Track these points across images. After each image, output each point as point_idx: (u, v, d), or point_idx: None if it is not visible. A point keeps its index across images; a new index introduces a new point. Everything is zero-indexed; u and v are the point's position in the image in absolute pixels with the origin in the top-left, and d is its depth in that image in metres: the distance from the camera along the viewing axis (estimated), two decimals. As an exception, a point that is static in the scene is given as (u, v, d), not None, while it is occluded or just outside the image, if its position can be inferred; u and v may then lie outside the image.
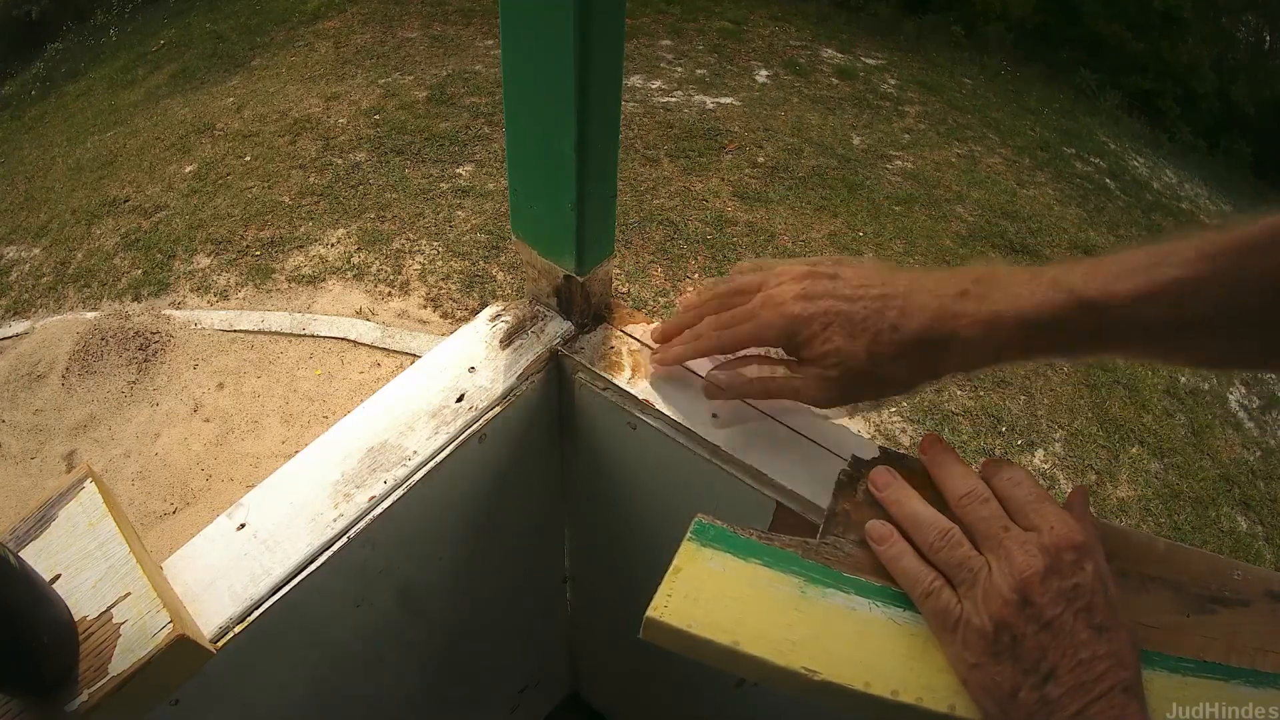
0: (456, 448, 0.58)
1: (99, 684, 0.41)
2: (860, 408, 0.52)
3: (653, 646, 0.43)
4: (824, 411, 0.55)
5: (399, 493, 0.55)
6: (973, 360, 0.45)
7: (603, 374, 0.61)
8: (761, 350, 0.55)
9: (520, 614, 0.92)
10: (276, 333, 3.43)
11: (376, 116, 4.71)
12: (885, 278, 0.49)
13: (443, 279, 3.63)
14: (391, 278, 3.65)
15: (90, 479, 0.50)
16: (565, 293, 0.63)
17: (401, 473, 0.55)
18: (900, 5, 7.49)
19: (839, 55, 6.33)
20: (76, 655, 0.42)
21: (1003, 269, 0.46)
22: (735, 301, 0.54)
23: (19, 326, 3.63)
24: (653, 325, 0.65)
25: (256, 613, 0.49)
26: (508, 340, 0.64)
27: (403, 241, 3.82)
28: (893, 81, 6.09)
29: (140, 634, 0.42)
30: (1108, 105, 7.61)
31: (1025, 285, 0.44)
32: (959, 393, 3.39)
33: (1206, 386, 3.92)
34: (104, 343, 3.31)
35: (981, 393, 3.41)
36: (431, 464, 0.56)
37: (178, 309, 3.57)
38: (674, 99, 5.18)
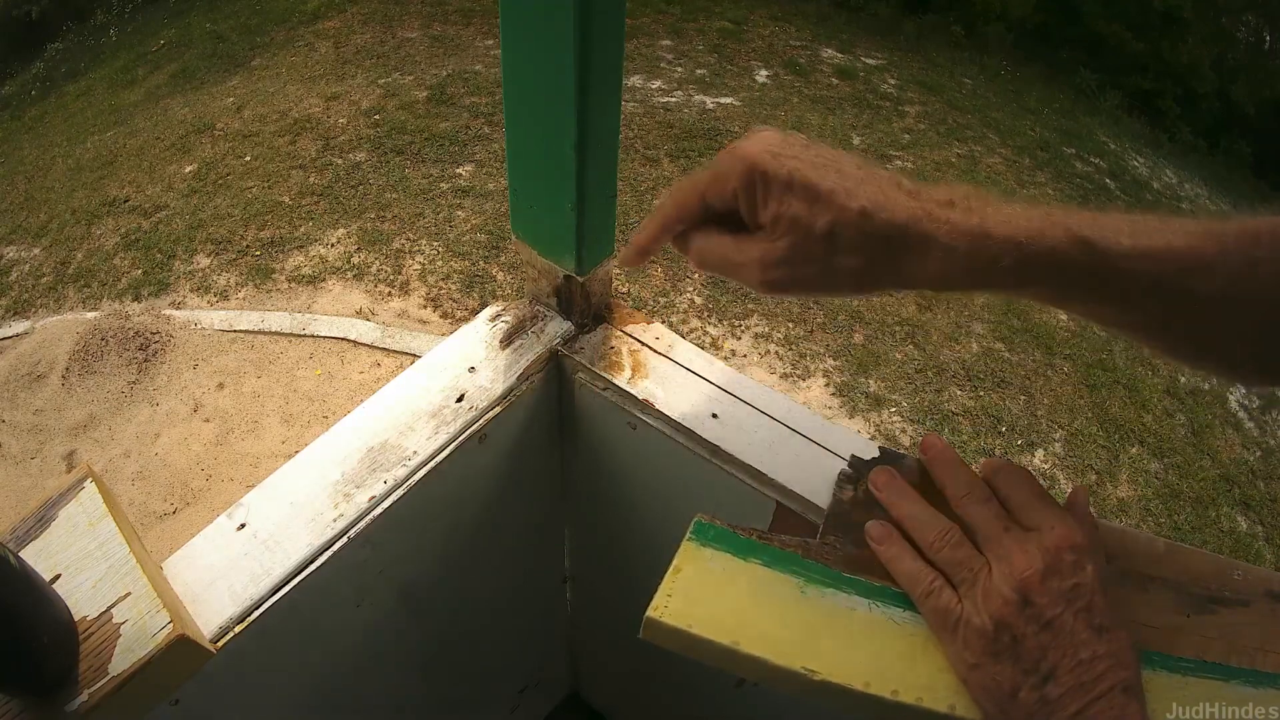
0: (456, 448, 0.58)
1: (99, 684, 0.41)
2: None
3: (653, 646, 0.43)
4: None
5: (399, 493, 0.55)
6: (950, 274, 0.40)
7: (603, 374, 0.61)
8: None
9: (520, 614, 0.92)
10: (276, 333, 3.43)
11: (376, 116, 4.71)
12: (861, 162, 0.42)
13: (443, 279, 3.63)
14: (391, 278, 3.65)
15: (90, 479, 0.50)
16: (565, 293, 0.63)
17: (401, 473, 0.55)
18: (900, 5, 7.49)
19: (839, 55, 6.33)
20: (76, 655, 0.42)
21: (995, 195, 0.41)
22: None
23: (19, 326, 3.63)
24: (653, 324, 0.65)
25: (256, 613, 0.49)
26: (508, 340, 0.64)
27: (403, 241, 3.82)
28: (893, 81, 6.09)
29: (140, 634, 0.42)
30: (1108, 105, 7.62)
31: (1020, 211, 0.40)
32: (959, 393, 3.39)
33: (1206, 386, 3.92)
34: (104, 343, 3.31)
35: (981, 393, 3.41)
36: (431, 464, 0.56)
37: (178, 309, 3.57)
38: (674, 99, 5.18)
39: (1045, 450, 3.27)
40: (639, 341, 0.64)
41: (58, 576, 0.45)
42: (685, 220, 0.47)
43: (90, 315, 3.54)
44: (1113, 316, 0.42)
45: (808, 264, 0.42)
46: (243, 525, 0.52)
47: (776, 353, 3.41)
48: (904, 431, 3.12)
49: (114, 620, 0.43)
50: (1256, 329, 0.40)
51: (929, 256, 0.40)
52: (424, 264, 3.71)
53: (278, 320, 3.47)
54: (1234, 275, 0.38)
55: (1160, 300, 0.39)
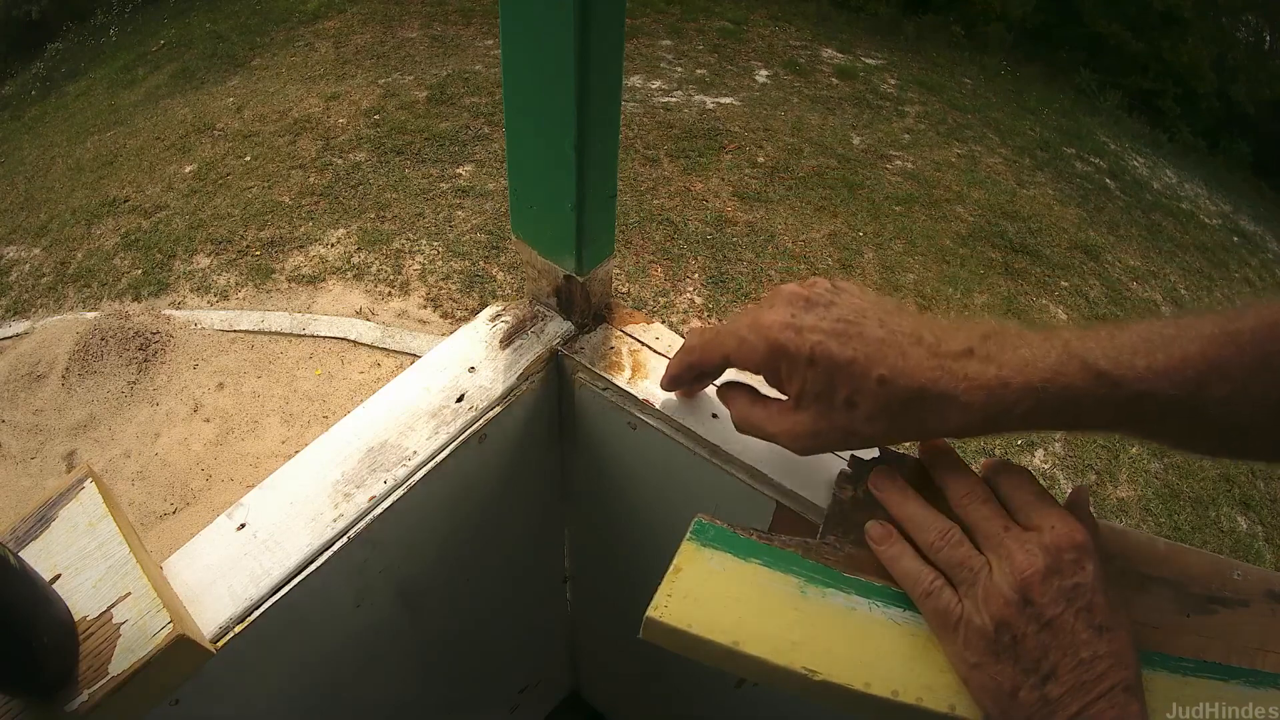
0: (456, 448, 0.58)
1: (99, 684, 0.41)
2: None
3: (653, 646, 0.43)
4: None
5: (399, 493, 0.55)
6: (970, 424, 0.41)
7: (603, 374, 0.61)
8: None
9: (520, 614, 0.92)
10: (276, 333, 3.43)
11: (376, 116, 4.71)
12: (884, 317, 0.44)
13: (443, 279, 3.63)
14: (391, 278, 3.65)
15: (90, 479, 0.50)
16: (565, 293, 0.63)
17: (401, 473, 0.55)
18: (900, 5, 7.50)
19: (839, 55, 6.33)
20: (76, 655, 0.42)
21: (1013, 328, 0.42)
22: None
23: (19, 326, 3.63)
24: (653, 324, 0.65)
25: (256, 613, 0.49)
26: (508, 340, 0.64)
27: (403, 241, 3.82)
28: (893, 81, 6.09)
29: (140, 634, 0.42)
30: (1108, 105, 7.62)
31: (1037, 349, 0.40)
32: (959, 393, 3.39)
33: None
34: (104, 343, 3.31)
35: (981, 393, 3.41)
36: (431, 464, 0.56)
37: (178, 309, 3.57)
38: (674, 99, 5.18)
39: (1045, 450, 3.27)
40: (639, 341, 0.64)
41: (58, 576, 0.45)
42: (707, 370, 0.51)
43: (90, 315, 3.54)
44: (1135, 435, 0.43)
45: (833, 432, 0.44)
46: (242, 525, 0.52)
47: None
48: (904, 431, 3.12)
49: (114, 620, 0.43)
50: (1272, 419, 0.39)
51: (949, 413, 0.41)
52: (424, 264, 3.71)
53: (278, 320, 3.47)
54: (1250, 372, 0.38)
55: (1180, 414, 0.39)
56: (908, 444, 0.46)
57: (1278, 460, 0.43)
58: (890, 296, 0.47)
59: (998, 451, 3.17)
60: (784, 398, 0.47)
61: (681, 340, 0.64)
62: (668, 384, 0.55)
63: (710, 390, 0.60)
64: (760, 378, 0.48)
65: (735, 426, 0.51)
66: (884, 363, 0.42)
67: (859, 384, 0.42)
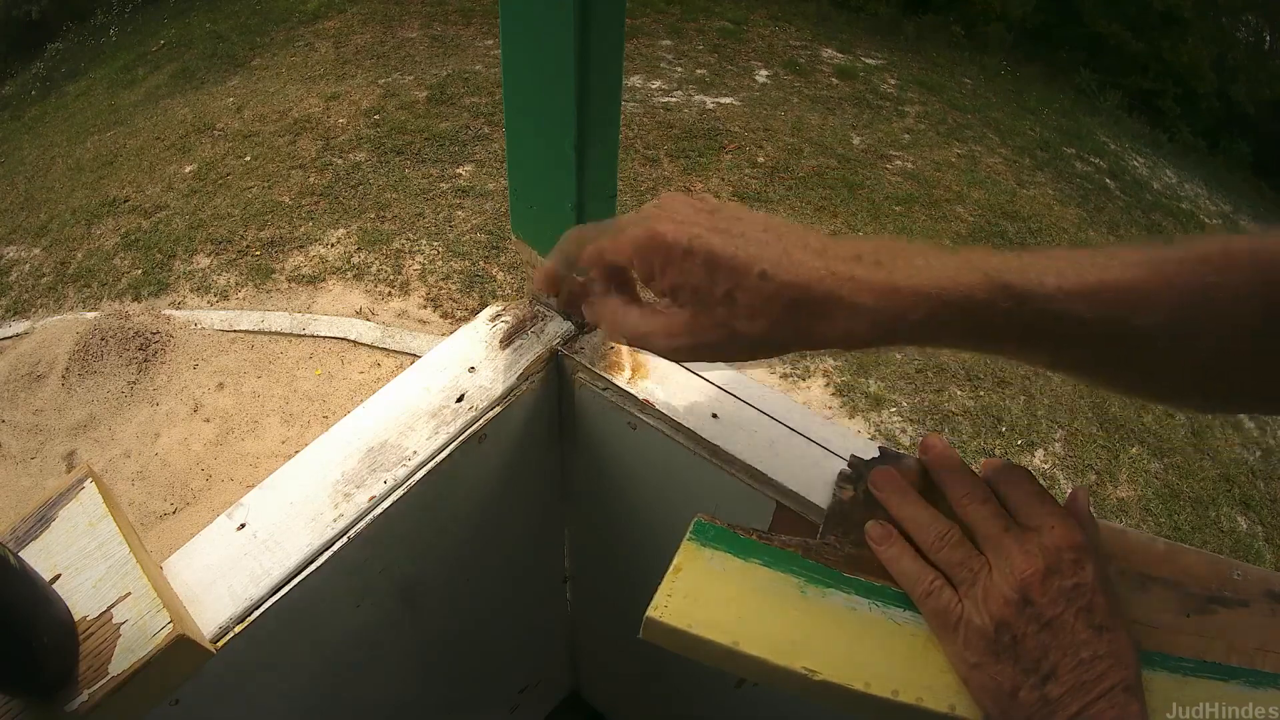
0: (456, 448, 0.58)
1: (99, 684, 0.41)
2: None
3: (653, 646, 0.43)
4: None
5: (399, 493, 0.55)
6: (857, 331, 0.39)
7: (603, 374, 0.61)
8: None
9: (520, 614, 0.92)
10: (276, 333, 3.43)
11: (376, 116, 4.71)
12: (770, 223, 0.41)
13: (443, 279, 3.63)
14: (391, 278, 3.65)
15: (90, 479, 0.50)
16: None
17: (401, 473, 0.55)
18: (900, 5, 7.49)
19: (839, 55, 6.33)
20: (76, 655, 0.42)
21: (916, 243, 0.40)
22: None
23: (19, 326, 3.63)
24: None
25: (256, 613, 0.49)
26: (508, 340, 0.64)
27: (403, 241, 3.82)
28: (893, 81, 6.09)
29: (140, 634, 0.42)
30: (1108, 105, 7.62)
31: (935, 259, 0.38)
32: (959, 393, 3.39)
33: (1206, 386, 3.92)
34: (104, 343, 3.31)
35: (981, 393, 3.41)
36: (431, 464, 0.56)
37: (178, 309, 3.57)
38: (674, 99, 5.18)
39: (1045, 450, 3.27)
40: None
41: (58, 576, 0.45)
42: (579, 263, 0.47)
43: (90, 315, 3.54)
44: (1045, 360, 0.40)
45: (711, 330, 0.41)
46: (243, 525, 0.52)
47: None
48: (904, 431, 3.12)
49: (114, 620, 0.43)
50: (1203, 358, 0.38)
51: (834, 316, 0.38)
52: (424, 264, 3.71)
53: (278, 320, 3.47)
54: (1180, 305, 0.36)
55: (1096, 340, 0.37)
56: (908, 445, 0.46)
57: (1198, 408, 0.41)
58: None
59: (998, 451, 3.17)
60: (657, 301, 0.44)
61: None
62: (543, 284, 0.51)
63: (710, 390, 0.60)
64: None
65: (608, 335, 0.47)
66: (766, 259, 0.39)
67: (739, 279, 0.39)
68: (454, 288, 3.59)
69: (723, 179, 4.42)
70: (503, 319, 0.66)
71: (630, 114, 4.82)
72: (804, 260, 0.39)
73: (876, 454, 0.51)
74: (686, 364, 0.60)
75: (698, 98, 5.24)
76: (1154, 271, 0.36)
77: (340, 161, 4.36)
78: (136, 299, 3.64)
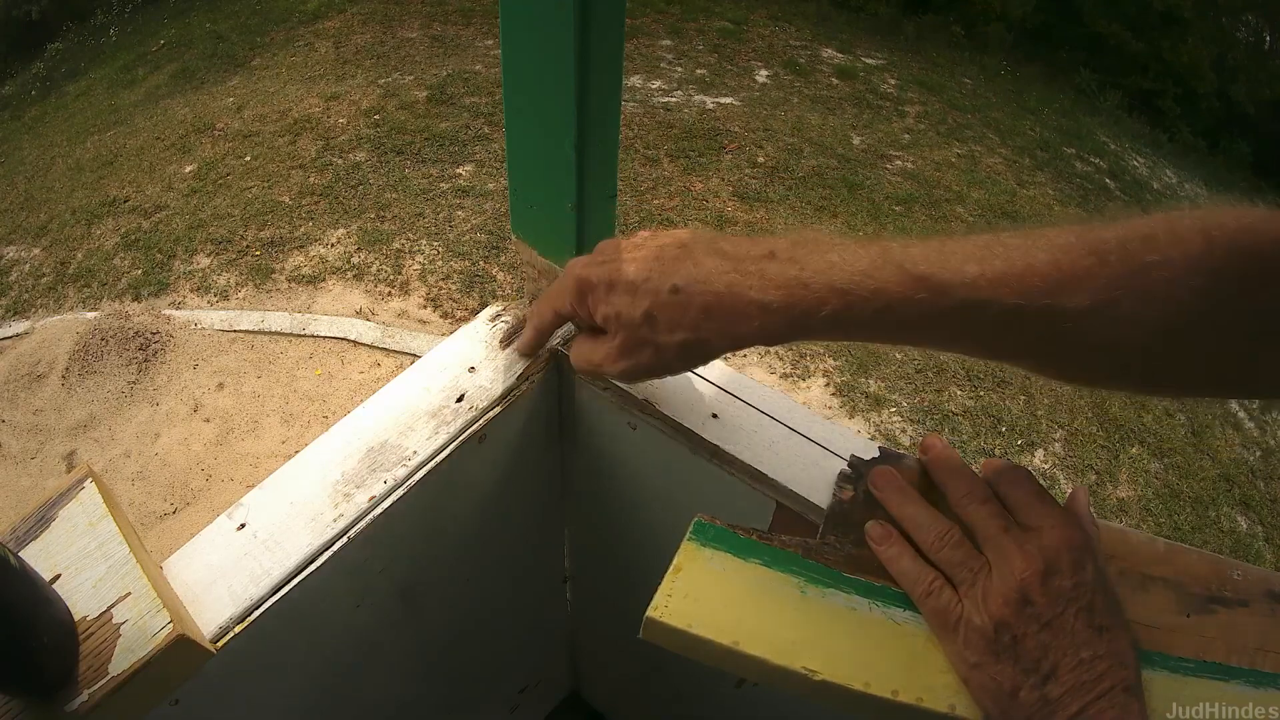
0: (456, 448, 0.58)
1: (99, 684, 0.41)
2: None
3: (653, 646, 0.43)
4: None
5: (399, 493, 0.55)
6: (772, 327, 0.40)
7: (603, 374, 0.61)
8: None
9: (520, 614, 0.92)
10: (276, 333, 3.43)
11: (376, 116, 4.71)
12: (687, 240, 0.43)
13: (443, 279, 3.63)
14: (391, 278, 3.65)
15: (90, 479, 0.50)
16: (565, 293, 0.63)
17: (401, 473, 0.55)
18: (900, 5, 7.49)
19: (839, 55, 6.33)
20: (76, 655, 0.42)
21: (828, 236, 0.40)
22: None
23: (19, 326, 3.63)
24: None
25: (256, 613, 0.49)
26: (508, 340, 0.64)
27: (403, 241, 3.82)
28: (893, 81, 6.09)
29: (140, 634, 0.42)
30: (1108, 105, 7.61)
31: (848, 254, 0.38)
32: (959, 393, 3.39)
33: (1206, 386, 3.91)
34: (104, 343, 3.31)
35: (981, 393, 3.41)
36: (431, 464, 0.56)
37: (178, 309, 3.57)
38: (674, 99, 5.18)
39: (1045, 450, 3.27)
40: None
41: (58, 576, 0.45)
42: (548, 328, 0.54)
43: (90, 315, 3.54)
44: (977, 350, 0.40)
45: (641, 349, 0.45)
46: (243, 525, 0.52)
47: (777, 353, 3.41)
48: (904, 431, 3.12)
49: (114, 620, 0.43)
50: (1144, 340, 0.36)
51: (748, 314, 0.40)
52: (424, 264, 3.71)
53: (278, 320, 3.47)
54: (1115, 287, 0.35)
55: (1025, 326, 0.36)
56: (908, 445, 0.46)
57: (1144, 392, 0.41)
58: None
59: (998, 451, 3.17)
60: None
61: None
62: (526, 350, 0.61)
63: (710, 390, 0.60)
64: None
65: (577, 369, 0.52)
66: (677, 274, 0.42)
67: (654, 297, 0.42)
68: (454, 288, 3.59)
69: (723, 179, 4.42)
70: (503, 319, 0.66)
71: (630, 114, 4.81)
72: (713, 266, 0.41)
73: (876, 454, 0.51)
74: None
75: (698, 98, 5.24)
76: (1086, 253, 0.35)
77: (340, 161, 4.36)
78: (136, 299, 3.64)
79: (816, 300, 0.38)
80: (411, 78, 5.18)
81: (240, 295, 3.61)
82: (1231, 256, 0.34)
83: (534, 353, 0.61)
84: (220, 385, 3.24)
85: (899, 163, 4.93)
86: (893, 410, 3.24)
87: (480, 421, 0.59)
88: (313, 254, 3.79)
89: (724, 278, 0.41)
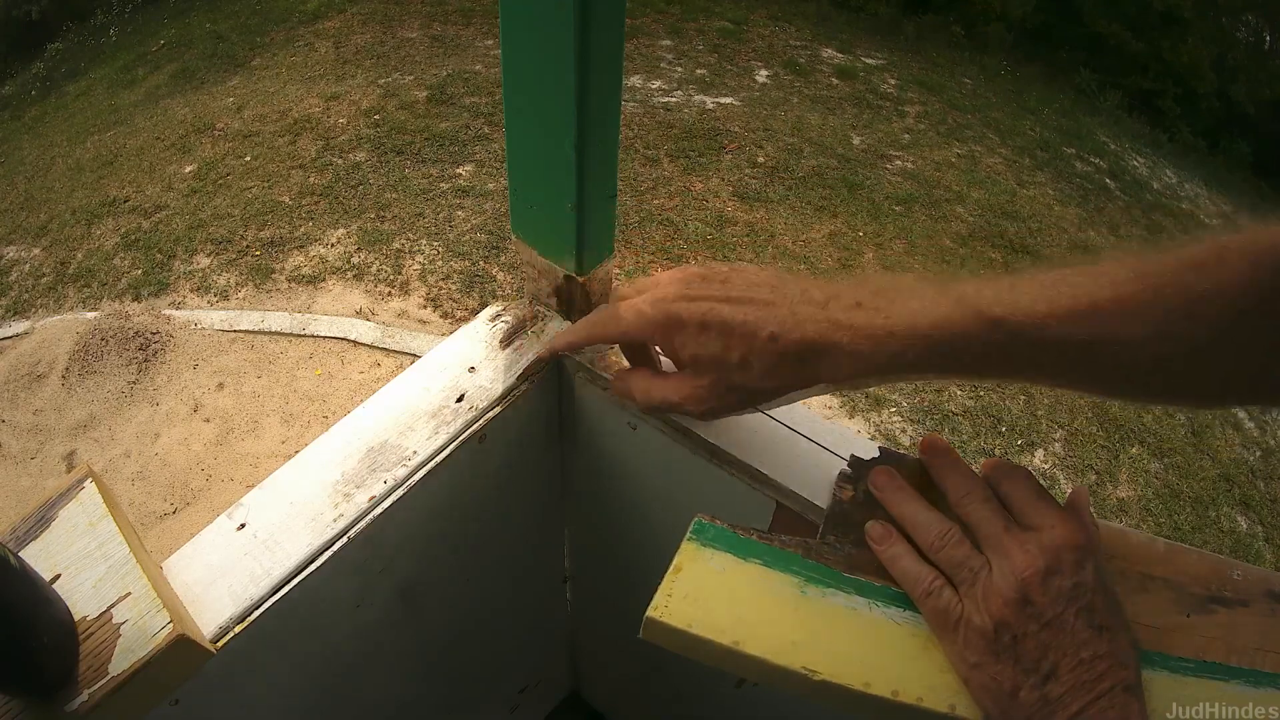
0: (456, 448, 0.57)
1: (99, 684, 0.41)
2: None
3: (653, 646, 0.43)
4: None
5: (399, 493, 0.55)
6: (860, 373, 0.42)
7: (603, 374, 0.61)
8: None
9: (520, 614, 0.92)
10: (276, 333, 3.43)
11: (376, 116, 4.71)
12: (776, 283, 0.45)
13: (443, 279, 3.63)
14: (391, 278, 3.65)
15: (90, 479, 0.50)
16: (565, 293, 0.63)
17: (401, 473, 0.55)
18: (900, 5, 7.50)
19: (839, 55, 6.33)
20: (76, 655, 0.42)
21: (907, 280, 0.43)
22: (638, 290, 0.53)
23: (19, 326, 3.63)
24: None
25: (256, 613, 0.49)
26: (508, 340, 0.64)
27: (403, 241, 3.82)
28: (893, 81, 6.09)
29: (140, 634, 0.42)
30: (1108, 105, 7.62)
31: (927, 299, 0.41)
32: (959, 393, 3.39)
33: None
34: (104, 343, 3.31)
35: (981, 393, 3.41)
36: (431, 464, 0.56)
37: (178, 309, 3.57)
38: (674, 99, 5.18)
39: (1045, 450, 3.27)
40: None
41: (58, 576, 0.45)
42: (603, 342, 0.54)
43: (90, 315, 3.54)
44: (1038, 380, 0.42)
45: (731, 392, 0.46)
46: (243, 525, 0.52)
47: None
48: (904, 431, 3.12)
49: (114, 620, 0.43)
50: (1193, 359, 0.38)
51: (839, 363, 0.42)
52: (424, 264, 3.71)
53: (278, 320, 3.47)
54: (1169, 315, 0.37)
55: (1086, 357, 0.39)
56: (908, 445, 0.46)
57: (1192, 407, 0.43)
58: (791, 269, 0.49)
59: (998, 451, 3.17)
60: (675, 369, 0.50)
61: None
62: (548, 352, 0.60)
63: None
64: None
65: (640, 407, 0.53)
66: (773, 321, 0.43)
67: (751, 344, 0.44)
68: (454, 288, 3.59)
69: (723, 179, 4.42)
70: (503, 319, 0.66)
71: (630, 114, 4.82)
72: (808, 316, 0.43)
73: (876, 454, 0.51)
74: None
75: (698, 98, 5.24)
76: (1142, 285, 0.37)
77: (340, 161, 4.36)
78: (136, 299, 3.64)
79: (902, 347, 0.41)
80: (411, 78, 5.18)
81: (240, 295, 3.61)
82: (1275, 276, 0.36)
83: (554, 358, 0.61)
84: (220, 385, 3.24)
85: (899, 163, 4.93)
86: (893, 410, 3.24)
87: (480, 421, 0.59)
88: (313, 254, 3.79)
89: (816, 326, 0.43)
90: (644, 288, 0.51)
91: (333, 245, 3.82)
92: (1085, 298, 0.38)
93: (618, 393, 0.54)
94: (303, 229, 3.92)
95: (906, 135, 5.33)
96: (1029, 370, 0.41)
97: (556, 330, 0.64)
